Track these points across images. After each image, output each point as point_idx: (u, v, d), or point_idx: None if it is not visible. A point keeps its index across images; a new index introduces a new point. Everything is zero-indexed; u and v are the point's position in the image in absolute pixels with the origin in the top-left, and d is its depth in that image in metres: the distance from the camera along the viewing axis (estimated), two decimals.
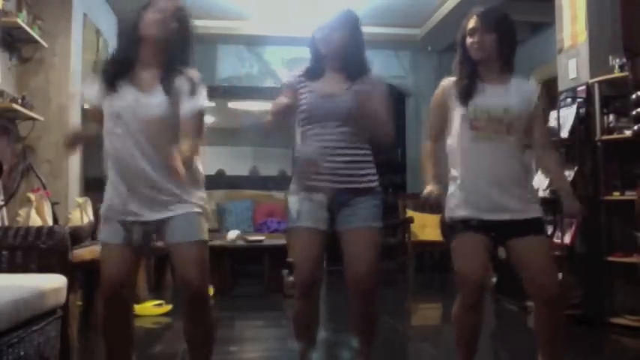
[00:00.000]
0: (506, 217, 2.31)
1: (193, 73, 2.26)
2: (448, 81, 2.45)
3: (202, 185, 2.34)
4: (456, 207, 2.36)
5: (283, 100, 2.40)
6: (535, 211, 2.36)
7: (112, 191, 2.25)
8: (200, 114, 2.26)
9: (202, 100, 2.26)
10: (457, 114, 2.37)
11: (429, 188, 2.37)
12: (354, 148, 2.47)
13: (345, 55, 2.49)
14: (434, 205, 2.40)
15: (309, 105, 2.47)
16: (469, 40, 2.35)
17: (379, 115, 2.43)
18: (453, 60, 2.46)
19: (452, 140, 2.42)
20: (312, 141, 2.46)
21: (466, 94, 2.36)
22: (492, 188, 2.31)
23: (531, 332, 2.47)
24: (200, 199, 2.29)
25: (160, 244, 2.35)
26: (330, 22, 2.48)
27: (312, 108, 2.46)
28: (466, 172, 2.36)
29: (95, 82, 2.28)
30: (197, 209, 2.26)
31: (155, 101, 2.19)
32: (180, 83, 2.21)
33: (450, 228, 2.38)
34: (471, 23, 2.36)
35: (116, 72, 2.24)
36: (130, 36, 2.27)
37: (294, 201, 2.49)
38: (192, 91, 2.22)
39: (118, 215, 2.23)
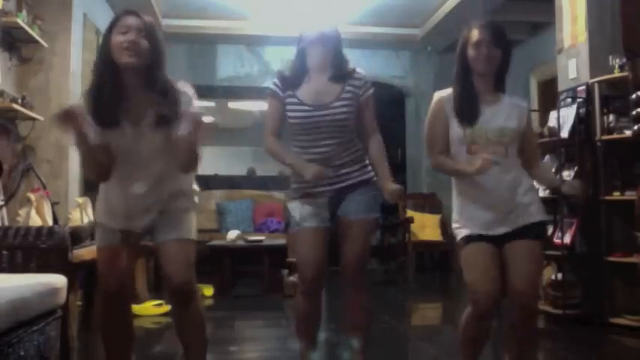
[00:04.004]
0: (512, 227, 2.30)
1: (182, 89, 2.19)
2: (445, 94, 2.36)
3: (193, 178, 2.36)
4: (464, 225, 2.34)
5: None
6: (537, 214, 2.34)
7: (112, 204, 2.28)
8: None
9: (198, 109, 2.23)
10: (454, 134, 2.31)
11: (486, 157, 2.20)
12: (347, 149, 2.49)
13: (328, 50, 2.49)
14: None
15: (300, 118, 2.46)
16: (474, 52, 2.29)
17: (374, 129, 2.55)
18: (453, 62, 2.40)
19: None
20: (308, 151, 2.47)
21: (467, 116, 2.29)
22: (498, 207, 2.29)
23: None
24: (190, 194, 2.33)
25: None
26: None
27: (304, 121, 2.45)
28: (468, 195, 2.33)
29: (86, 117, 2.08)
30: (187, 206, 2.30)
31: (157, 134, 2.15)
32: (174, 106, 2.14)
33: (457, 240, 2.36)
34: (476, 35, 2.29)
35: (105, 107, 2.10)
36: (104, 63, 2.14)
37: (295, 206, 2.51)
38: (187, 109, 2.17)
39: (117, 224, 2.27)
